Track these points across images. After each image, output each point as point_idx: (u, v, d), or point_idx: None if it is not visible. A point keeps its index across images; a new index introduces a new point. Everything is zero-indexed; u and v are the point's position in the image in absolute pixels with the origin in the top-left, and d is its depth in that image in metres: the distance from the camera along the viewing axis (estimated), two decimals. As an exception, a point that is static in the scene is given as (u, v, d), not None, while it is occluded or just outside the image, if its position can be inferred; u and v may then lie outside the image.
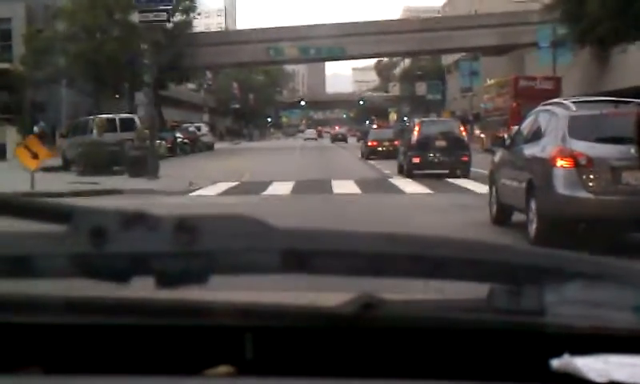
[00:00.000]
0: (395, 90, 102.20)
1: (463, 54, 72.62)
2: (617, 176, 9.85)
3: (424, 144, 25.15)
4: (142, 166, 24.86)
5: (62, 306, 1.22)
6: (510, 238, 11.00)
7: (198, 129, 59.93)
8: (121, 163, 26.99)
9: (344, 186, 21.55)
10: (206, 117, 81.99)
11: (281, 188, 21.35)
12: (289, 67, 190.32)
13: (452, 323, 1.15)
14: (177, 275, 1.04)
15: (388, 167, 29.69)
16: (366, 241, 1.14)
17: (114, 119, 33.96)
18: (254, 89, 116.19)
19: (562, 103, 11.47)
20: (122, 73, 45.96)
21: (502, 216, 12.47)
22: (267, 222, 1.09)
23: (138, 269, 1.05)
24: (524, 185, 10.92)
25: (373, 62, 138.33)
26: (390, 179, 24.72)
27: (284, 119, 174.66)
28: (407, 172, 25.41)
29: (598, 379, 1.02)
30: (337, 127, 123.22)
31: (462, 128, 27.73)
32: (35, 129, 39.77)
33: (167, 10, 27.06)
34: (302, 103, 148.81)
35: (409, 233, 1.19)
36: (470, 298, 1.18)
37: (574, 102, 11.31)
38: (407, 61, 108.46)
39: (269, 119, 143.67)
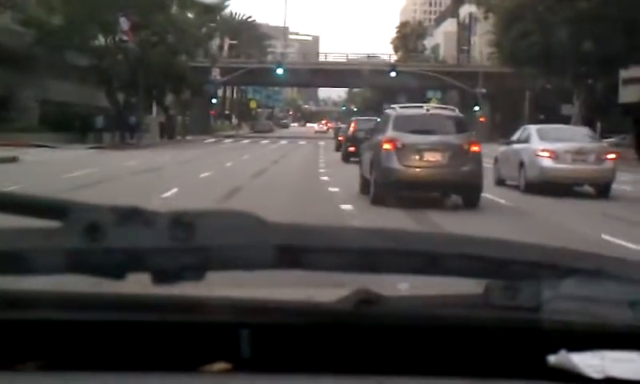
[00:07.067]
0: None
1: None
2: (421, 155, 15.36)
3: (358, 137, 32.61)
4: None
5: (57, 301, 1.21)
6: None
7: None
8: None
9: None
10: None
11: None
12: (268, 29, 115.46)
13: (448, 319, 1.15)
14: (173, 271, 1.04)
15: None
16: (361, 237, 1.14)
17: None
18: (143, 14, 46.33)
19: (393, 107, 17.66)
20: None
21: (364, 187, 17.12)
22: (263, 218, 1.09)
23: (133, 264, 1.05)
24: (369, 162, 16.21)
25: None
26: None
27: (252, 104, 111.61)
28: (346, 158, 32.96)
29: (594, 375, 1.02)
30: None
31: None
32: None
33: None
34: (280, 71, 65.69)
35: (405, 229, 1.19)
36: (466, 294, 1.17)
37: (400, 107, 17.63)
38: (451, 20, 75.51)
39: (213, 99, 76.53)
